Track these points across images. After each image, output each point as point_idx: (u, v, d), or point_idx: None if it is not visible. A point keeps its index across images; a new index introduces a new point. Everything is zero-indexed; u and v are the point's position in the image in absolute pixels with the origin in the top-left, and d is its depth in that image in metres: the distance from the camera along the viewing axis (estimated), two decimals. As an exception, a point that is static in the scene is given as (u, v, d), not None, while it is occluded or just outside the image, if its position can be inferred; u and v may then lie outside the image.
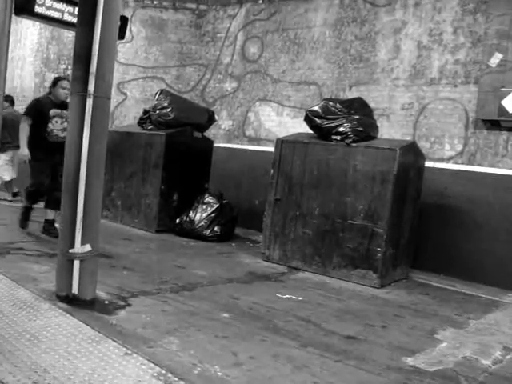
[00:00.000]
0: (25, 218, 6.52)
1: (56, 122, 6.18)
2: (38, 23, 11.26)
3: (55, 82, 6.31)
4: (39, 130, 6.11)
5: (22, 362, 2.77)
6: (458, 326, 4.44)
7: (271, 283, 5.36)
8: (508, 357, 3.78)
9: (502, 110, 6.12)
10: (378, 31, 7.50)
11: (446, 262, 6.47)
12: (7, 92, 12.69)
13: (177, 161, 7.61)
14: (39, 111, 6.14)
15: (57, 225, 6.07)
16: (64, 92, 6.15)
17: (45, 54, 11.69)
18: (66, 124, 5.90)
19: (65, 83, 6.20)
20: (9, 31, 4.14)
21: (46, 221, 6.41)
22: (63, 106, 6.10)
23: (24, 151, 6.09)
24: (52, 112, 6.17)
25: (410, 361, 3.50)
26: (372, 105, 6.64)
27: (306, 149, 6.10)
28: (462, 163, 6.60)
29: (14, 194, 9.47)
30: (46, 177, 6.19)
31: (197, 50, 10.01)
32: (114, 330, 3.44)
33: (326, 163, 5.92)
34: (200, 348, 3.30)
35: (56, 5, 5.88)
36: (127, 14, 8.80)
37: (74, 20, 5.78)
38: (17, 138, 6.50)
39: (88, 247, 3.88)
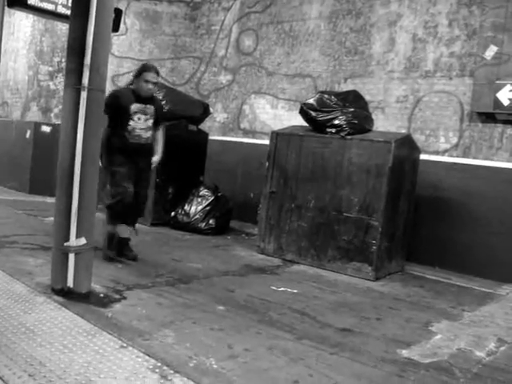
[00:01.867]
0: (112, 245, 5.30)
1: (139, 119, 5.12)
2: (31, 15, 11.17)
3: (139, 72, 5.19)
4: (118, 129, 5.08)
5: (18, 355, 2.76)
6: (453, 319, 4.46)
7: (266, 276, 5.36)
8: (502, 348, 3.80)
9: (497, 103, 6.13)
10: (373, 24, 7.48)
11: (440, 255, 6.50)
12: (0, 85, 12.65)
13: (172, 154, 7.57)
14: (118, 105, 5.07)
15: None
16: (148, 87, 5.12)
17: (38, 47, 11.62)
18: (150, 122, 5.23)
19: (150, 76, 5.13)
20: (2, 23, 4.12)
21: (120, 240, 5.32)
22: (148, 99, 5.22)
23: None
24: (134, 107, 5.10)
25: (404, 353, 3.51)
26: (367, 97, 6.63)
27: (301, 141, 6.09)
28: (457, 156, 6.61)
29: None
30: (128, 182, 5.13)
31: (191, 43, 9.98)
32: (110, 323, 3.44)
33: (321, 156, 5.92)
34: (195, 340, 3.31)
35: (49, -3, 5.85)
36: (121, 6, 8.74)
37: (68, 12, 5.75)
38: None
39: (83, 240, 3.87)
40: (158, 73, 5.24)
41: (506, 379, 3.23)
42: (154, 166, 5.52)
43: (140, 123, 5.15)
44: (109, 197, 5.18)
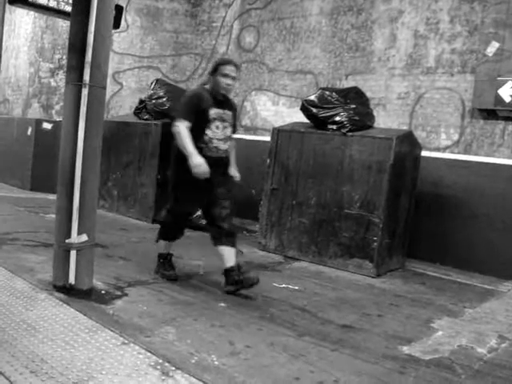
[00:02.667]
0: (166, 266, 4.72)
1: (217, 127, 4.33)
2: (32, 12, 11.18)
3: (215, 67, 4.37)
4: (194, 139, 4.24)
5: (20, 351, 2.77)
6: (454, 315, 4.46)
7: (268, 272, 5.36)
8: (503, 345, 3.80)
9: (499, 100, 6.12)
10: (375, 20, 7.47)
11: (441, 252, 6.50)
12: (1, 82, 12.65)
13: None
14: (199, 109, 4.28)
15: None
16: (227, 82, 4.33)
17: (39, 44, 11.61)
18: (229, 131, 4.46)
19: (229, 68, 4.33)
20: (3, 20, 4.11)
21: (228, 270, 4.42)
22: (225, 104, 4.46)
23: (196, 159, 4.13)
24: (213, 113, 4.31)
25: (405, 349, 3.51)
26: (368, 94, 6.62)
27: (302, 138, 6.09)
28: (459, 153, 6.60)
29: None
30: (193, 207, 4.61)
31: (192, 40, 9.96)
32: (111, 320, 3.44)
33: (322, 153, 5.91)
34: (197, 337, 3.31)
35: (50, -7, 5.85)
36: (122, 3, 8.73)
37: (69, 9, 5.75)
38: None
39: (84, 237, 3.88)
40: (237, 66, 4.49)
41: (507, 376, 3.23)
42: (237, 179, 4.66)
43: (218, 133, 4.35)
44: (166, 212, 4.63)
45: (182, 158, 4.21)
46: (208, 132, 4.30)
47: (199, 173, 4.14)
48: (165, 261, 4.70)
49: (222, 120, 4.37)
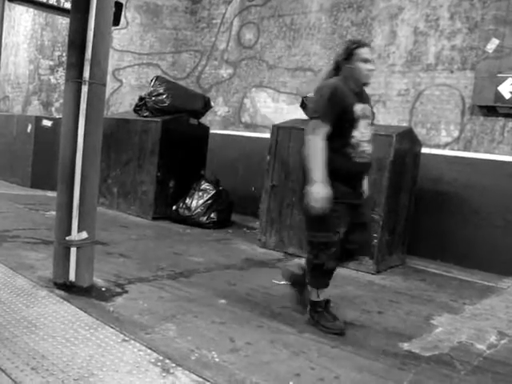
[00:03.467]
0: (328, 315, 3.70)
1: (364, 127, 3.56)
2: (31, 9, 11.16)
3: (350, 51, 3.57)
4: (338, 144, 3.47)
5: (20, 348, 2.77)
6: (454, 312, 4.46)
7: (268, 269, 5.37)
8: (503, 341, 3.81)
9: (499, 96, 6.12)
10: (374, 17, 7.46)
11: (442, 248, 6.50)
12: (0, 79, 12.64)
13: (173, 147, 7.58)
14: (343, 106, 3.46)
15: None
16: (368, 68, 3.57)
17: (39, 41, 11.61)
18: (371, 129, 3.72)
19: (367, 52, 3.58)
20: (2, 17, 4.11)
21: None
22: (362, 95, 3.68)
23: (324, 189, 3.34)
24: (358, 109, 3.52)
25: (405, 346, 3.52)
26: (368, 91, 6.60)
27: (302, 135, 6.05)
28: (459, 149, 6.60)
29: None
30: (344, 225, 3.52)
31: (192, 36, 9.95)
32: (112, 317, 3.45)
33: (322, 150, 5.90)
34: (197, 334, 3.32)
35: (50, -10, 5.84)
36: (122, -1, 8.73)
37: (68, 6, 5.74)
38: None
39: (84, 234, 3.88)
40: (368, 45, 3.71)
41: (507, 372, 3.24)
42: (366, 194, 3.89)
43: (366, 133, 3.58)
44: (312, 249, 3.61)
45: (338, 170, 3.43)
46: (356, 133, 3.49)
47: (317, 208, 3.33)
48: (324, 310, 3.70)
49: (366, 117, 3.61)
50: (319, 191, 3.31)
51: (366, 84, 3.69)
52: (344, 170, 3.50)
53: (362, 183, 3.78)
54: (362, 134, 3.53)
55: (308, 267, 3.69)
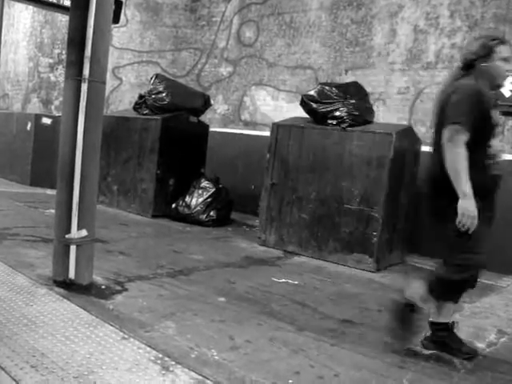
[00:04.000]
0: (456, 339, 3.36)
1: (499, 135, 3.15)
2: (30, 7, 11.15)
3: (490, 48, 3.14)
4: (476, 154, 3.08)
5: (20, 346, 2.77)
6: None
7: (267, 267, 5.37)
8: (502, 340, 3.81)
9: (498, 95, 6.11)
10: (375, 15, 7.45)
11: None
12: (0, 77, 12.63)
13: (173, 145, 7.59)
14: (481, 114, 3.07)
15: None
16: (508, 69, 3.19)
17: (38, 39, 11.60)
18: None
19: (506, 48, 3.17)
20: (1, 15, 4.11)
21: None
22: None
23: (473, 204, 3.05)
24: (495, 115, 3.21)
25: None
26: (368, 89, 6.61)
27: (301, 133, 6.08)
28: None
29: None
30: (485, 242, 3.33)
31: (192, 34, 9.94)
32: (111, 315, 3.45)
33: (321, 148, 5.91)
34: (197, 332, 3.32)
35: (49, -12, 5.83)
36: (121, -3, 8.71)
37: (68, 3, 5.74)
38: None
39: (84, 232, 3.88)
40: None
41: (506, 370, 3.24)
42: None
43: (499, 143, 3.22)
44: (452, 267, 3.23)
45: (479, 184, 3.08)
46: (493, 143, 3.18)
47: (467, 224, 3.05)
48: (451, 333, 3.36)
49: (498, 124, 3.26)
50: (470, 206, 3.03)
51: (500, 86, 3.40)
52: (487, 185, 3.22)
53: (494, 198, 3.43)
54: (499, 143, 3.07)
55: (440, 284, 3.31)
